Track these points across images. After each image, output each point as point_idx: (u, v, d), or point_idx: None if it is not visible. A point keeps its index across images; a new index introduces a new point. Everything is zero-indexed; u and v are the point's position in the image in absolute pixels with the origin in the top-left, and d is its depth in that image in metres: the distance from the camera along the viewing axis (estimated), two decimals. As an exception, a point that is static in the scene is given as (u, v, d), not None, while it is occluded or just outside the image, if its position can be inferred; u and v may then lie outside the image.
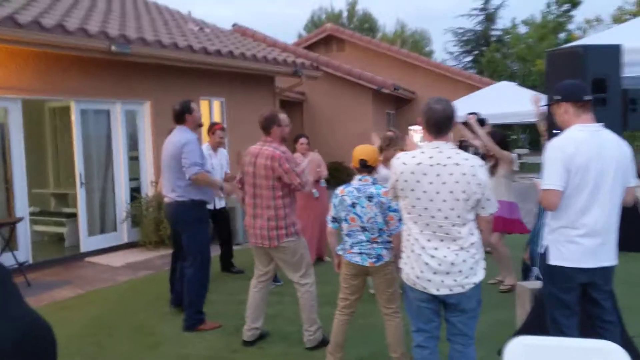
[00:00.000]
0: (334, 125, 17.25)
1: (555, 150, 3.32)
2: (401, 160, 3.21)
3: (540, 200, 3.41)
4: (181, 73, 9.61)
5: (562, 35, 30.15)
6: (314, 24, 41.56)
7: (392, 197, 3.43)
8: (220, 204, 6.99)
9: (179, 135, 5.12)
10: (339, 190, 4.04)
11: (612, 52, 4.12)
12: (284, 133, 4.72)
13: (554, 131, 3.79)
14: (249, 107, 10.90)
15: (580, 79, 3.92)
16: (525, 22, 31.36)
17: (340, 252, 4.06)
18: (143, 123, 9.30)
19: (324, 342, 4.59)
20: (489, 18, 34.41)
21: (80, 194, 8.40)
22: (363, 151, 4.00)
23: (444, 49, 36.40)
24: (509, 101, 13.24)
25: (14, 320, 1.26)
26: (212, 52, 9.41)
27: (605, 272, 3.39)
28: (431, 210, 3.10)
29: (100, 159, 8.80)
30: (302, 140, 7.45)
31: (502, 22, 34.50)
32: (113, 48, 7.72)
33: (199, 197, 5.19)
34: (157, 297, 6.27)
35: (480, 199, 3.12)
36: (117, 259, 8.24)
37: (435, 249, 3.12)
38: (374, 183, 3.94)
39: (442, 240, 3.11)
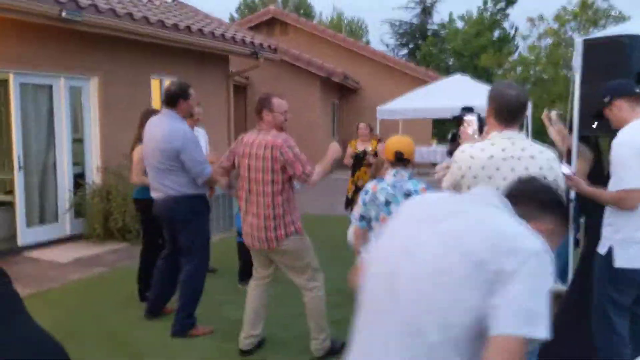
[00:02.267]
0: (278, 112, 16.58)
1: (623, 147, 3.10)
2: (467, 153, 2.75)
3: (617, 202, 3.09)
4: (132, 47, 8.71)
5: (496, 33, 30.87)
6: (247, 6, 40.47)
7: None
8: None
9: (170, 125, 4.38)
10: (370, 185, 3.55)
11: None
12: (277, 121, 4.01)
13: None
14: (202, 88, 10.05)
15: (623, 70, 3.65)
16: (461, 18, 31.84)
17: (365, 256, 3.53)
18: (89, 101, 8.33)
19: (333, 351, 4.14)
20: (426, 11, 34.66)
21: (18, 179, 7.38)
22: (399, 143, 3.55)
23: (380, 41, 36.33)
24: (466, 95, 13.14)
25: (24, 340, 1.16)
26: (169, 26, 8.57)
27: None
28: None
29: (40, 140, 7.77)
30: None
31: (439, 16, 34.82)
32: (64, 14, 6.77)
33: (199, 191, 4.54)
34: (121, 298, 5.52)
35: None
36: (61, 254, 7.31)
37: None
38: (410, 178, 3.49)
39: None
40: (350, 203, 7.64)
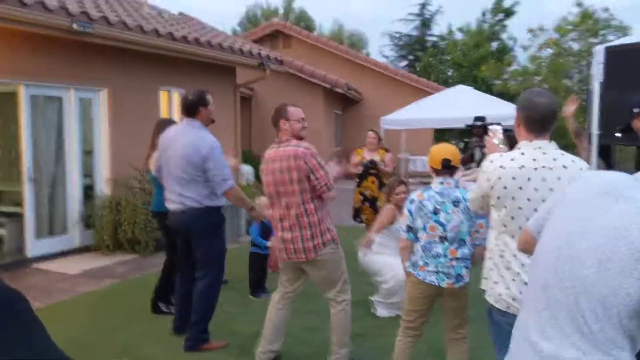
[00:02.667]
0: (282, 123, 16.59)
1: None
2: (497, 162, 2.70)
3: None
4: (141, 60, 8.72)
5: (495, 44, 30.98)
6: (249, 20, 40.66)
7: (477, 208, 2.92)
8: None
9: (195, 133, 4.34)
10: (416, 195, 3.49)
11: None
12: (295, 129, 3.98)
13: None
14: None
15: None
16: (460, 29, 31.97)
17: (410, 270, 3.51)
18: (99, 113, 8.33)
19: None
20: (425, 23, 34.79)
21: (28, 190, 7.36)
22: (446, 150, 3.48)
23: (380, 53, 36.39)
24: (468, 105, 13.16)
25: (39, 355, 1.09)
26: (179, 38, 8.59)
27: None
28: None
29: (49, 151, 7.77)
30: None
31: (438, 28, 34.97)
32: (75, 26, 6.78)
33: (218, 203, 4.48)
34: (133, 311, 5.48)
35: None
36: (71, 266, 7.28)
37: None
38: (457, 186, 3.44)
39: None
40: (358, 213, 7.61)
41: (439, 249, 3.35)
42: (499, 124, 3.31)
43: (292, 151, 3.84)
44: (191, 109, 4.40)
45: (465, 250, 3.36)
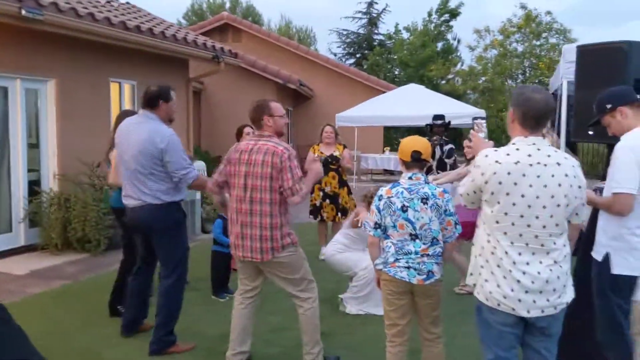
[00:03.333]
0: (233, 118, 16.18)
1: (626, 151, 3.15)
2: (492, 157, 2.67)
3: (611, 205, 3.13)
4: (91, 50, 8.33)
5: (440, 44, 31.58)
6: (194, 13, 39.86)
7: (468, 203, 2.88)
8: None
9: (151, 126, 4.15)
10: (384, 191, 3.38)
11: (654, 52, 3.94)
12: (278, 126, 3.92)
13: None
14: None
15: (621, 76, 3.72)
16: (407, 29, 32.36)
17: (380, 267, 3.42)
18: (46, 104, 7.89)
19: None
20: (372, 22, 35.06)
21: (-30, 186, 6.91)
22: (416, 142, 3.38)
23: (328, 50, 36.26)
24: (421, 103, 13.34)
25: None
26: (132, 28, 8.25)
27: None
28: (528, 217, 2.62)
29: (-8, 144, 7.31)
30: (247, 129, 6.67)
31: (385, 26, 35.28)
32: (23, 12, 6.38)
33: (177, 198, 4.30)
34: (90, 314, 5.22)
35: (577, 205, 2.71)
36: (17, 266, 6.88)
37: (527, 263, 2.64)
38: (426, 182, 3.35)
39: (534, 254, 2.65)
40: (318, 210, 7.48)
41: (410, 246, 3.28)
42: (483, 118, 3.30)
43: (272, 147, 3.74)
44: (152, 101, 4.23)
45: (437, 248, 3.31)
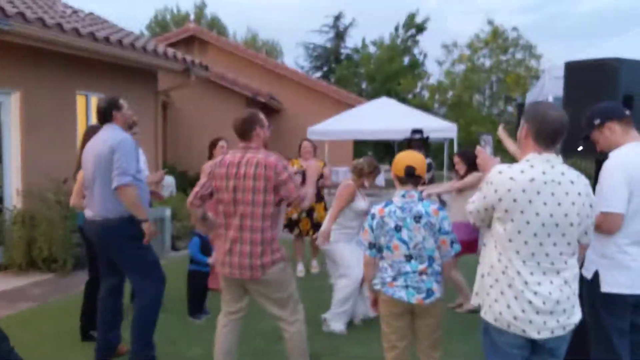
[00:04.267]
0: (200, 132, 15.98)
1: (616, 170, 3.10)
2: (506, 174, 2.56)
3: (599, 224, 3.07)
4: (57, 61, 8.03)
5: (406, 59, 31.90)
6: (158, 24, 39.44)
7: (478, 222, 2.76)
8: None
9: (109, 133, 4.13)
10: (377, 209, 3.25)
11: (640, 68, 3.93)
12: (266, 137, 3.79)
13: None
14: (130, 107, 9.47)
15: (610, 93, 3.69)
16: (374, 43, 32.65)
17: (378, 287, 3.28)
18: (9, 117, 7.55)
19: None
20: (339, 36, 35.27)
21: None
22: (410, 157, 3.27)
23: (295, 63, 36.25)
24: (393, 117, 13.35)
25: None
26: (100, 39, 7.99)
27: None
28: (540, 236, 2.53)
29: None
30: (222, 142, 6.49)
31: (352, 40, 35.52)
32: (-12, 21, 6.10)
33: (127, 213, 4.12)
34: (60, 339, 4.93)
35: (588, 224, 2.63)
36: (-23, 288, 6.50)
37: (539, 284, 2.55)
38: (420, 199, 3.23)
39: (544, 273, 2.56)
40: (294, 224, 7.36)
41: (407, 268, 3.17)
42: (489, 134, 3.21)
43: (263, 160, 3.56)
44: (104, 114, 4.24)
45: (435, 267, 3.19)
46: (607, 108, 3.30)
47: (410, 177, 3.22)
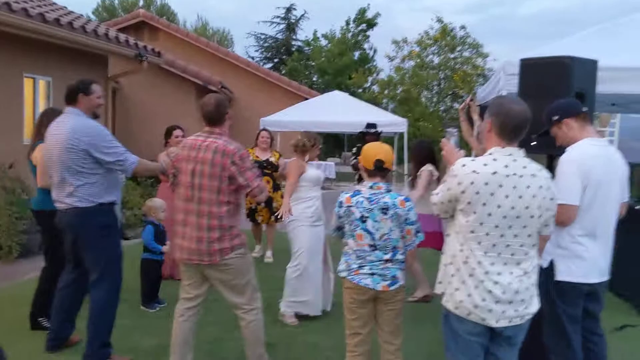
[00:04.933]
0: (150, 119, 15.62)
1: (571, 164, 3.25)
2: (470, 167, 2.66)
3: (555, 216, 3.23)
4: (3, 42, 7.72)
5: (357, 53, 32.10)
6: (105, 9, 38.29)
7: (441, 213, 2.86)
8: None
9: (75, 121, 3.93)
10: (344, 198, 3.32)
11: (592, 67, 4.12)
12: (231, 122, 3.82)
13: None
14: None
15: (563, 90, 3.86)
16: (325, 36, 32.66)
17: (344, 274, 3.34)
18: (-49, 99, 7.23)
19: None
20: (291, 28, 35.12)
21: None
22: (379, 150, 3.32)
23: (245, 53, 35.83)
24: (346, 110, 13.47)
25: None
26: (51, 20, 7.72)
27: (603, 285, 3.45)
28: (502, 228, 2.64)
29: None
30: (178, 132, 6.43)
31: (304, 33, 35.36)
32: None
33: (108, 199, 4.02)
34: (7, 328, 4.79)
35: (549, 216, 2.77)
36: None
37: (499, 274, 2.67)
38: (388, 191, 3.29)
39: (505, 264, 2.68)
40: (253, 213, 7.43)
41: (371, 256, 3.25)
42: (455, 127, 3.31)
43: (222, 146, 3.56)
44: (70, 96, 4.06)
45: (399, 255, 3.29)
46: (566, 105, 3.45)
47: (379, 169, 3.29)
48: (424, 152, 5.86)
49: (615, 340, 4.99)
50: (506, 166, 2.64)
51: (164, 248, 5.56)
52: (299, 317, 5.25)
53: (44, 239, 4.81)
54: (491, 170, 2.62)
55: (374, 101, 19.88)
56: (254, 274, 3.88)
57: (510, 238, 2.65)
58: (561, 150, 3.52)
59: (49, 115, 4.73)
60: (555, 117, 3.41)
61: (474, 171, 2.64)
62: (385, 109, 19.94)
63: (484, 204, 2.62)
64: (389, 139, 19.40)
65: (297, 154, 5.33)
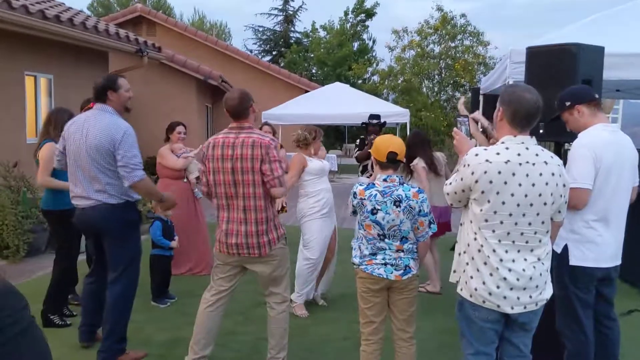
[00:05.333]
0: (151, 115, 15.56)
1: (584, 148, 3.28)
2: (482, 156, 2.67)
3: (568, 200, 3.24)
4: (3, 40, 7.70)
5: (356, 44, 31.99)
6: (100, 4, 38.11)
7: (455, 203, 2.86)
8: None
9: (106, 119, 3.90)
10: (358, 190, 3.33)
11: (599, 54, 4.11)
12: (255, 114, 3.83)
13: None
14: (80, 87, 9.20)
15: (570, 77, 3.86)
16: (323, 27, 32.53)
17: (357, 261, 3.36)
18: (-46, 98, 7.22)
19: None
20: (289, 19, 35.00)
21: None
22: (391, 142, 3.32)
23: (243, 46, 35.70)
24: (347, 102, 13.43)
25: None
26: (51, 17, 7.70)
27: (616, 270, 3.48)
28: (516, 215, 2.66)
29: None
30: (180, 128, 6.44)
31: (302, 24, 35.25)
32: None
33: (134, 196, 4.06)
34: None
35: (561, 203, 2.78)
36: None
37: (513, 261, 2.69)
38: (401, 183, 3.30)
39: (519, 251, 2.70)
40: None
41: (383, 245, 3.27)
42: (466, 116, 3.31)
43: (259, 140, 3.58)
44: (99, 93, 4.01)
45: (410, 245, 3.30)
46: (578, 91, 3.47)
47: (392, 162, 3.30)
48: (414, 139, 5.89)
49: (622, 325, 5.04)
50: (519, 154, 2.65)
51: (173, 243, 5.58)
52: (309, 308, 5.29)
53: (56, 238, 4.82)
54: (504, 159, 2.63)
55: (375, 92, 19.79)
56: (290, 266, 3.96)
57: (524, 226, 2.67)
58: (569, 137, 3.52)
59: (58, 115, 4.78)
60: (568, 103, 3.43)
61: (487, 160, 2.65)
62: (386, 99, 19.88)
63: (498, 193, 2.63)
64: (391, 130, 19.40)
65: (300, 148, 5.33)
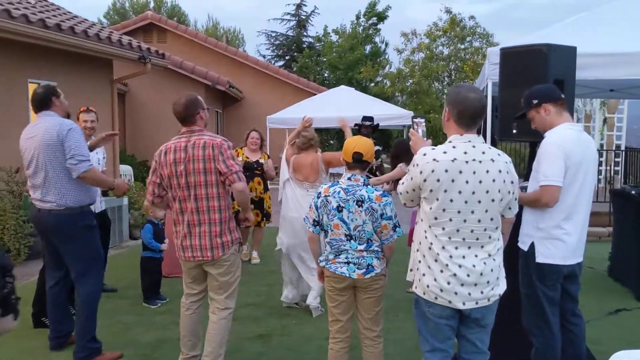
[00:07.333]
0: (159, 121, 15.78)
1: (553, 146, 3.30)
2: (429, 156, 2.71)
3: (539, 197, 3.28)
4: (7, 49, 7.88)
5: (368, 47, 31.98)
6: (116, 12, 38.68)
7: (407, 201, 2.91)
8: (100, 206, 5.73)
9: (53, 120, 4.05)
10: (323, 189, 3.38)
11: (571, 54, 4.13)
12: (207, 118, 3.85)
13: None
14: (84, 95, 9.39)
15: (541, 77, 3.88)
16: (335, 31, 32.61)
17: (323, 263, 3.41)
18: (-43, 106, 7.42)
19: None
20: (301, 24, 35.16)
21: None
22: (358, 143, 3.38)
23: (256, 52, 35.94)
24: (352, 105, 13.46)
25: None
26: (52, 26, 7.87)
27: (580, 266, 3.52)
28: (464, 213, 2.69)
29: None
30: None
31: (314, 29, 35.32)
32: None
33: (86, 201, 4.17)
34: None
35: (510, 199, 2.81)
36: None
37: (463, 257, 2.73)
38: (365, 184, 3.34)
39: (469, 248, 2.74)
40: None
41: (346, 246, 3.31)
42: (422, 117, 3.36)
43: (210, 141, 3.63)
44: (43, 101, 4.16)
45: (374, 247, 3.33)
46: (545, 90, 3.50)
47: (358, 162, 3.34)
48: (399, 149, 5.92)
49: (610, 325, 5.02)
50: (465, 153, 2.69)
51: (163, 246, 5.68)
52: (292, 309, 5.40)
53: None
54: (451, 158, 2.68)
55: (383, 95, 19.80)
56: (240, 274, 3.95)
57: (473, 222, 2.70)
58: (542, 136, 3.56)
59: None
60: (535, 101, 3.46)
61: (434, 159, 2.69)
62: (396, 102, 19.90)
63: (446, 191, 2.67)
64: (398, 132, 19.40)
65: (302, 149, 5.38)
